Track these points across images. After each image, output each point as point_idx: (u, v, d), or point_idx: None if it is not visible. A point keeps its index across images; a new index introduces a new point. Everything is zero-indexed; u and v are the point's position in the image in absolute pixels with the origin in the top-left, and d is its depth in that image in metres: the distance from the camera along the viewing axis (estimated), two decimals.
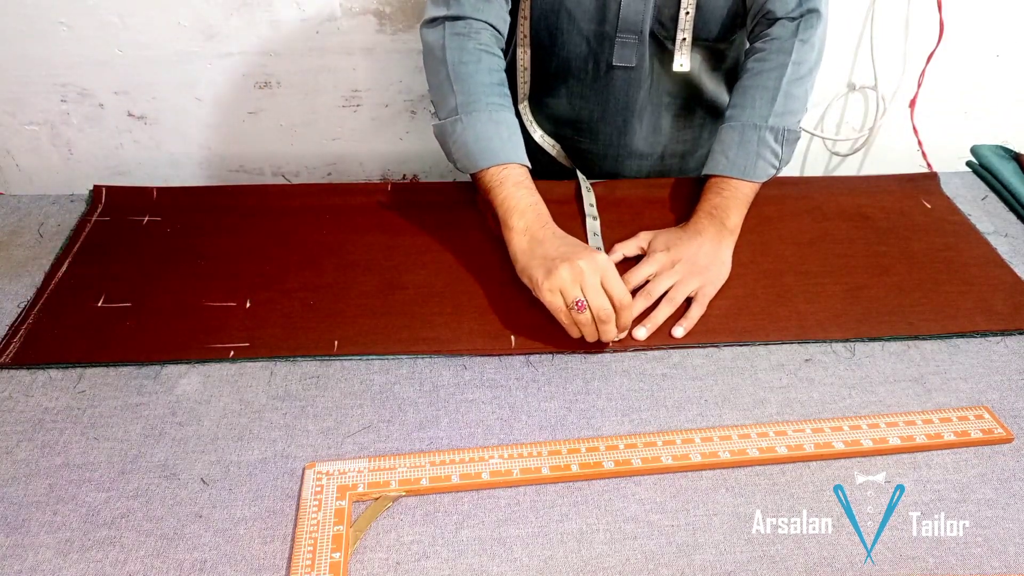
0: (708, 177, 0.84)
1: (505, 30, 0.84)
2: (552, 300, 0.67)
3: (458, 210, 0.87)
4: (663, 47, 0.87)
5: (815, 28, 0.81)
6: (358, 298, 0.75)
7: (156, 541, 0.54)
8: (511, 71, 0.95)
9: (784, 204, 0.89)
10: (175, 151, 1.39)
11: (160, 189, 0.88)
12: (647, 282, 0.75)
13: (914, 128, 1.38)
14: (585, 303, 0.65)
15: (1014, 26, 1.31)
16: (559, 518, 0.56)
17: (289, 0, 1.20)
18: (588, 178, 0.93)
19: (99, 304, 0.73)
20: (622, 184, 0.92)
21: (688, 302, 0.74)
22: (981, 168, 0.99)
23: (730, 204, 0.80)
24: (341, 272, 0.78)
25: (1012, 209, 0.91)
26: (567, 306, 0.66)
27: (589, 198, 0.88)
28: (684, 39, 0.85)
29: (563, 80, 0.93)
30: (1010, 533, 0.56)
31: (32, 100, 1.30)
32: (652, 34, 0.86)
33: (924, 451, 0.61)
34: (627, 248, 0.80)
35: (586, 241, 0.81)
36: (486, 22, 0.80)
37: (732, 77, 0.93)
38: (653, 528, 0.56)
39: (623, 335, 0.70)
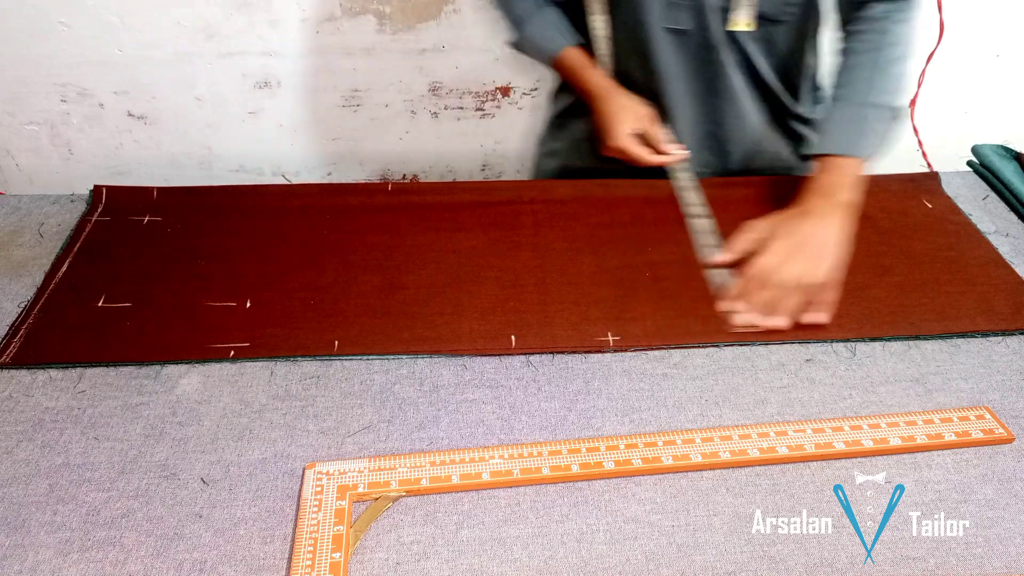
0: (815, 160, 0.84)
1: None
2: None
3: (458, 210, 0.87)
4: (725, 19, 0.86)
5: (912, 11, 0.83)
6: (358, 298, 0.75)
7: (156, 541, 0.54)
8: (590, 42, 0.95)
9: (786, 204, 0.88)
10: (175, 151, 1.39)
11: (160, 189, 0.88)
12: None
13: (914, 128, 1.37)
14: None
15: (1014, 26, 1.31)
16: (559, 518, 0.56)
17: (289, 0, 1.20)
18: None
19: (99, 304, 0.73)
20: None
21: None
22: (982, 168, 0.99)
23: (840, 181, 0.80)
24: (341, 272, 0.78)
25: (1013, 209, 0.91)
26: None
27: (689, 197, 0.87)
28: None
29: (627, 49, 0.93)
30: (1010, 533, 0.56)
31: (32, 100, 1.30)
32: (717, 7, 0.85)
33: (925, 451, 0.61)
34: (740, 245, 0.79)
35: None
36: None
37: (787, 70, 0.94)
38: (653, 528, 0.56)
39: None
